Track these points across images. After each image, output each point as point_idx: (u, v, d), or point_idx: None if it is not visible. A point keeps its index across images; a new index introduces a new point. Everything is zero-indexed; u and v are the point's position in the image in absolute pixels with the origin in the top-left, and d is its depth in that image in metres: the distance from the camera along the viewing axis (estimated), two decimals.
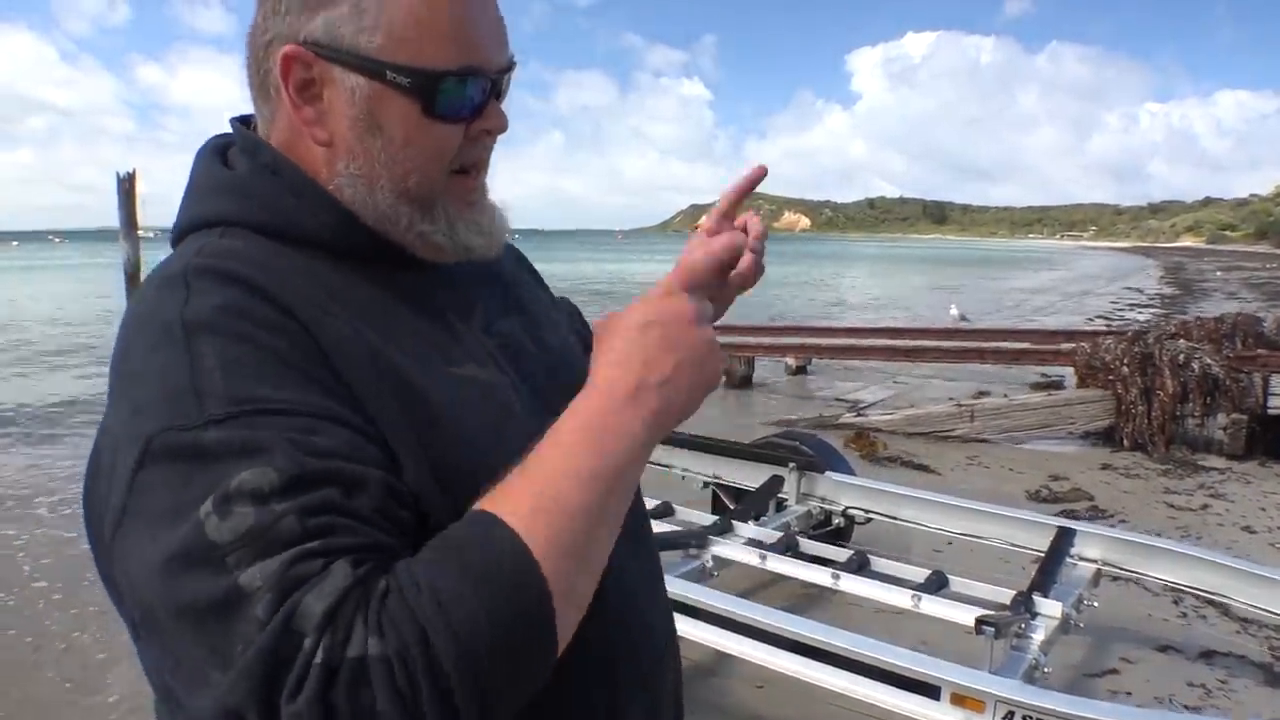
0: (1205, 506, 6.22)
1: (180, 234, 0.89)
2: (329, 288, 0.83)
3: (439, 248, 0.89)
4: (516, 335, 0.97)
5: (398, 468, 0.74)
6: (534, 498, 0.70)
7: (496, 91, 0.88)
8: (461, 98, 0.84)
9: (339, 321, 0.79)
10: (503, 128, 0.89)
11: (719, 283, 0.94)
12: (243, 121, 0.95)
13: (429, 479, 0.76)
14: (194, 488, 0.65)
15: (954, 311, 17.73)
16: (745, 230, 0.96)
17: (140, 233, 22.09)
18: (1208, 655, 3.96)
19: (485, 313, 0.96)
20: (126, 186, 20.71)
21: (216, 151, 0.93)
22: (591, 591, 0.73)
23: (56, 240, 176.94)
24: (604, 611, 0.81)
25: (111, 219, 21.10)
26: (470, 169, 0.90)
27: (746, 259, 0.93)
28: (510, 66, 0.89)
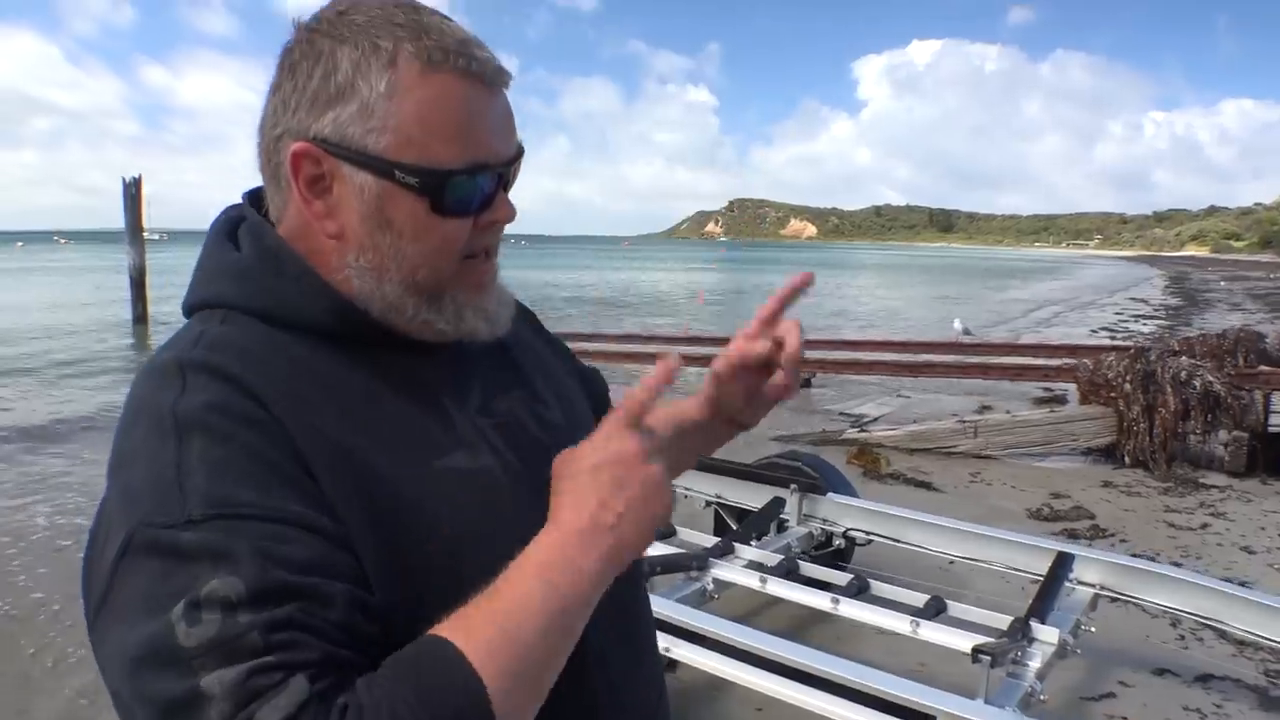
0: (1205, 526, 6.25)
1: (189, 310, 0.93)
2: (321, 377, 0.86)
3: (442, 333, 0.92)
4: (517, 414, 0.98)
5: (363, 571, 0.77)
6: (492, 629, 0.74)
7: (504, 182, 0.91)
8: (469, 193, 0.87)
9: (322, 417, 0.82)
10: (510, 218, 0.91)
11: (742, 397, 1.08)
12: (254, 194, 0.98)
13: (395, 577, 0.78)
14: (168, 585, 0.69)
15: (958, 325, 17.76)
16: (783, 342, 1.04)
17: (146, 234, 22.17)
18: (1204, 679, 3.99)
19: (484, 391, 0.97)
20: (133, 191, 20.83)
21: (227, 231, 0.95)
22: (537, 707, 0.77)
23: (62, 241, 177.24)
24: (589, 694, 0.87)
25: (117, 220, 21.20)
26: (485, 253, 0.93)
27: (782, 376, 1.02)
28: (518, 155, 0.91)
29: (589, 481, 0.82)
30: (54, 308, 24.66)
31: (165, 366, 0.83)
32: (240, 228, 0.95)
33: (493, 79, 0.87)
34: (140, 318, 20.81)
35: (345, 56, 0.84)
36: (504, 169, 0.89)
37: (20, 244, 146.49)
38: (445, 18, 0.88)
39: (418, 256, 0.88)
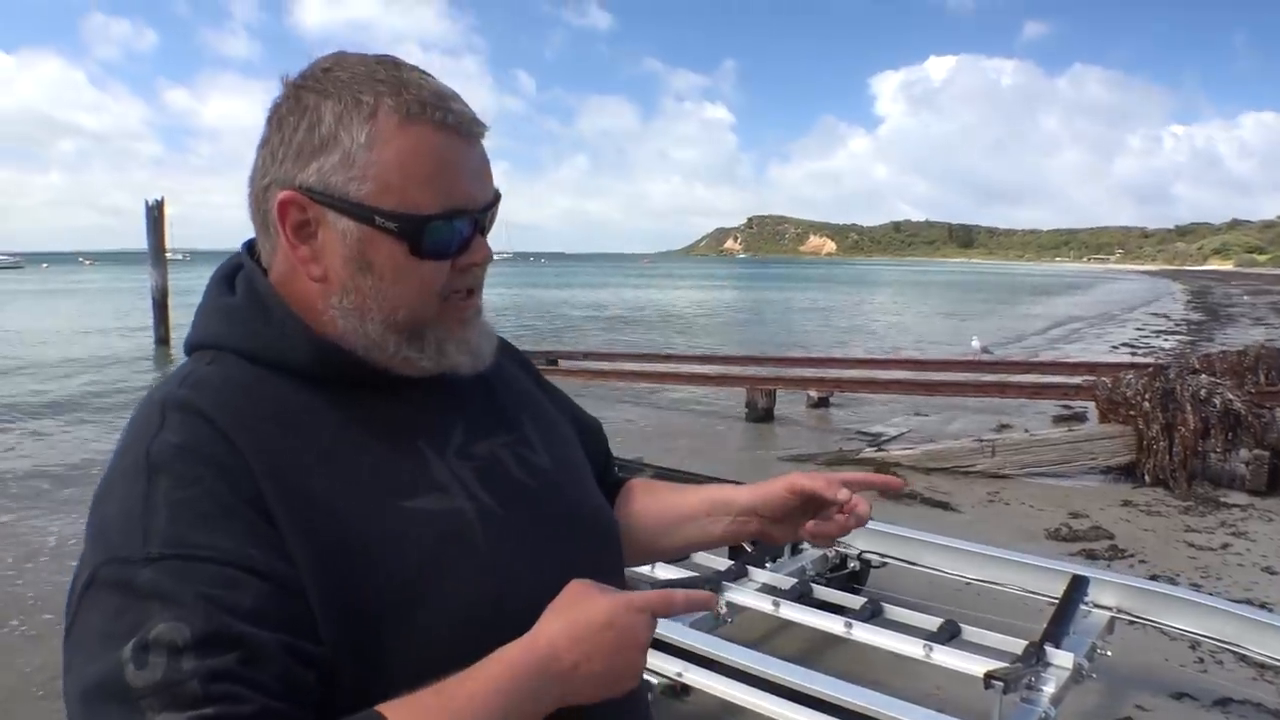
0: (1226, 546, 6.19)
1: (188, 349, 0.99)
2: (297, 418, 0.90)
3: (425, 369, 0.96)
4: (499, 456, 1.01)
5: (311, 616, 0.80)
6: None
7: (481, 226, 0.95)
8: (446, 238, 0.91)
9: (290, 458, 0.86)
10: (487, 260, 0.96)
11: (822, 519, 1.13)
12: (252, 244, 1.02)
13: (346, 616, 0.81)
14: (121, 623, 0.73)
15: (976, 344, 17.69)
16: (853, 508, 1.11)
17: (169, 255, 22.37)
18: (1223, 703, 3.95)
19: (466, 434, 1.00)
20: (155, 214, 21.04)
21: (226, 277, 1.01)
22: None
23: (87, 262, 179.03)
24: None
25: (140, 241, 21.43)
26: (465, 292, 0.97)
27: (832, 527, 1.12)
28: (495, 200, 0.96)
29: (594, 631, 0.85)
30: (82, 333, 23.95)
31: (150, 405, 0.89)
32: (238, 275, 1.00)
33: (468, 130, 0.91)
34: (163, 339, 21.00)
35: (329, 110, 0.89)
36: (480, 214, 0.94)
37: (45, 265, 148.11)
38: (424, 74, 0.92)
39: (397, 298, 0.92)
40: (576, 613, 0.86)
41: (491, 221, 0.97)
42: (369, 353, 0.94)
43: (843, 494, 1.10)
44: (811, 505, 1.14)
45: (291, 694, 0.75)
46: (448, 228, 0.90)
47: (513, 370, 1.17)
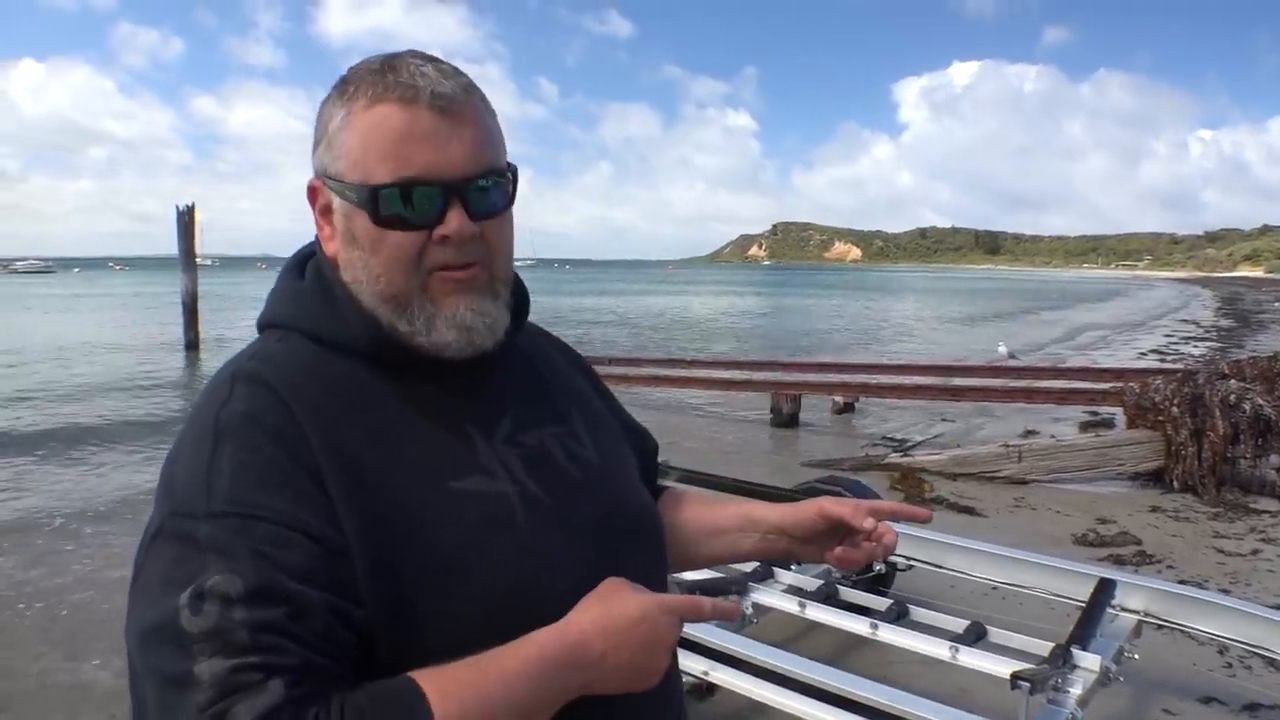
0: (1256, 552, 6.15)
1: (260, 327, 1.06)
2: (354, 395, 0.96)
3: (422, 346, 0.98)
4: (546, 446, 1.05)
5: (355, 582, 0.84)
6: (466, 702, 0.80)
7: (463, 198, 0.95)
8: (404, 207, 0.94)
9: (346, 432, 0.91)
10: (459, 233, 0.95)
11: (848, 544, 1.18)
12: None
13: (388, 585, 0.85)
14: (180, 571, 0.80)
15: (1002, 349, 17.59)
16: (880, 537, 1.16)
17: (199, 260, 22.57)
18: (1252, 708, 3.93)
19: (514, 422, 1.04)
20: (186, 219, 21.21)
21: (298, 264, 1.08)
22: None
23: (117, 268, 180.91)
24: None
25: (171, 247, 21.63)
26: (454, 267, 0.97)
27: (858, 553, 1.16)
28: (482, 173, 0.96)
29: (626, 625, 0.89)
30: (112, 349, 22.72)
31: (221, 377, 0.95)
32: (310, 262, 1.07)
33: (440, 105, 0.94)
34: (192, 344, 21.20)
35: (329, 104, 0.98)
36: (451, 185, 0.95)
37: (77, 270, 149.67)
38: (423, 61, 0.96)
39: (377, 267, 0.97)
40: (610, 605, 0.89)
41: (479, 196, 0.97)
42: (374, 324, 0.99)
43: (869, 523, 1.14)
44: (839, 530, 1.18)
45: (333, 651, 0.80)
46: (402, 195, 0.93)
47: (566, 368, 1.21)
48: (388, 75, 0.94)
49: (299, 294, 1.04)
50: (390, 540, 0.87)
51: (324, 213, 1.00)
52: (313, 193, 1.01)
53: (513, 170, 1.02)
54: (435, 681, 0.80)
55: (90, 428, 11.88)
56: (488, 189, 0.98)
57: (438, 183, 0.94)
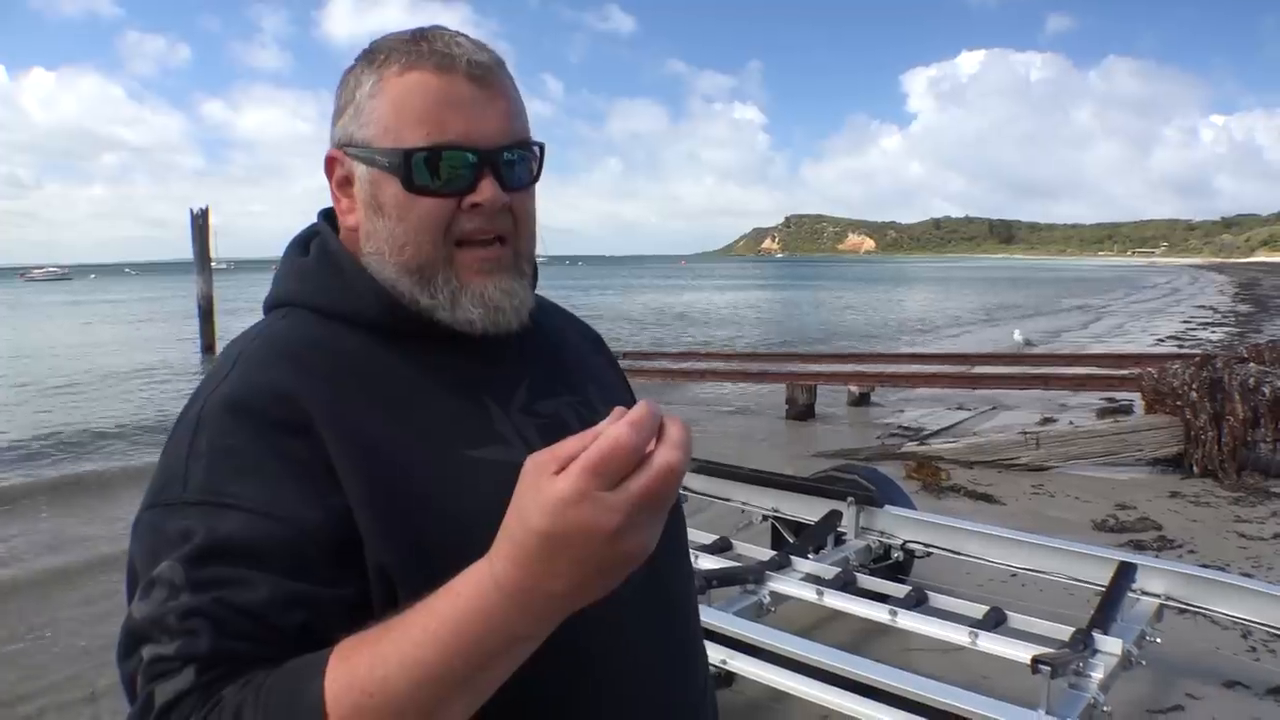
0: (1278, 535, 6.10)
1: (266, 308, 1.05)
2: (364, 369, 0.95)
3: (443, 320, 0.97)
4: (562, 416, 1.03)
5: (334, 557, 0.83)
6: (365, 675, 0.71)
7: (495, 168, 0.95)
8: (436, 172, 0.93)
9: (356, 406, 0.91)
10: (492, 201, 0.94)
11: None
12: (328, 212, 1.08)
13: (406, 553, 0.85)
14: (150, 560, 0.81)
15: (1018, 336, 17.52)
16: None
17: (214, 264, 22.65)
18: (1277, 691, 3.89)
19: (531, 392, 1.03)
20: (200, 223, 21.27)
21: (301, 242, 1.08)
22: None
23: (132, 273, 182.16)
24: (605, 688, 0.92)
25: (185, 251, 21.72)
26: (480, 241, 0.97)
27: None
28: (512, 145, 0.96)
29: (535, 550, 0.68)
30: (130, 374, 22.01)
31: (223, 358, 0.96)
32: (314, 239, 1.06)
33: (476, 73, 0.94)
34: (209, 347, 21.27)
35: (354, 73, 0.98)
36: (484, 154, 0.94)
37: (93, 276, 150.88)
38: (455, 34, 0.96)
39: (403, 235, 0.96)
40: (514, 525, 0.70)
41: (510, 167, 0.96)
42: (394, 297, 0.98)
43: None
44: None
45: (263, 635, 0.78)
46: (435, 160, 0.93)
47: (581, 342, 1.21)
48: (421, 44, 0.94)
49: (304, 270, 1.04)
50: (404, 509, 0.86)
51: (342, 184, 1.00)
52: (330, 164, 1.00)
53: (540, 146, 1.01)
54: (340, 651, 0.74)
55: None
56: (517, 161, 0.97)
57: (472, 149, 0.93)
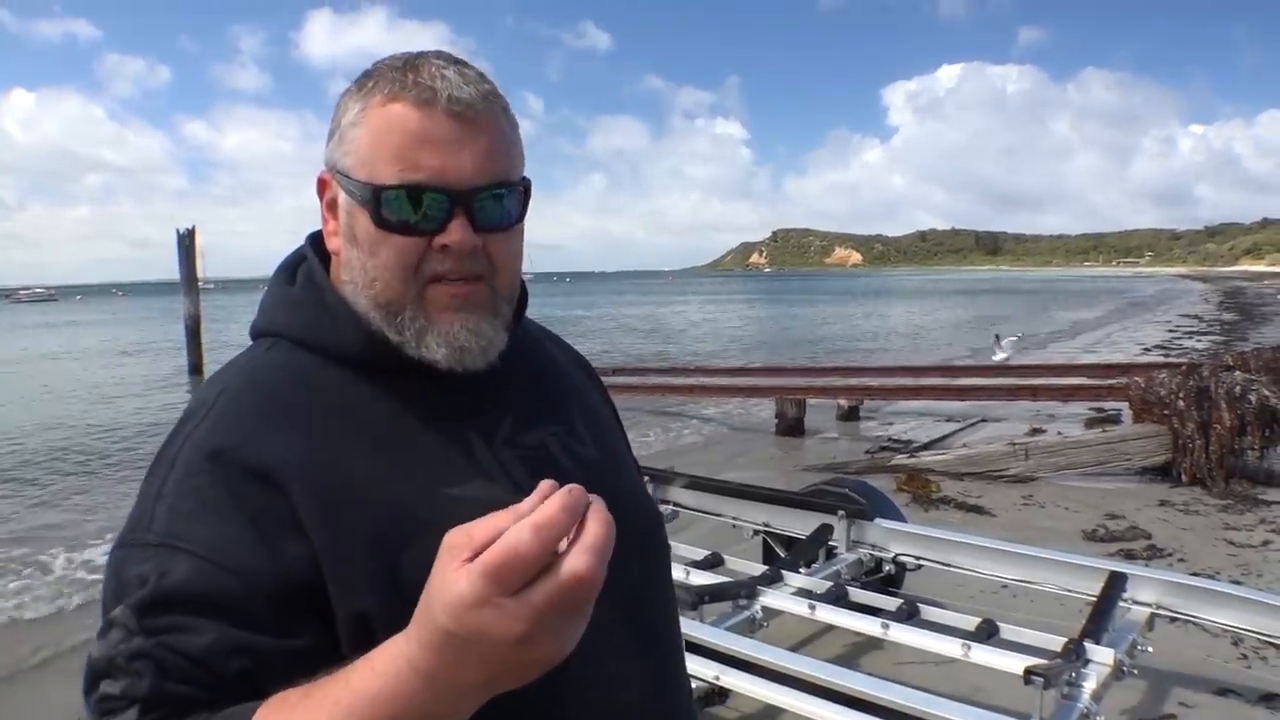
0: (1266, 543, 6.12)
1: (253, 335, 1.04)
2: (343, 407, 0.94)
3: (410, 357, 0.95)
4: (547, 447, 1.02)
5: (284, 609, 0.83)
6: None
7: (467, 209, 0.92)
8: (406, 211, 0.91)
9: (334, 446, 0.91)
10: (460, 244, 0.92)
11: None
12: (314, 236, 1.07)
13: (386, 597, 0.83)
14: (113, 600, 0.83)
15: (1003, 345, 17.55)
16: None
17: (201, 284, 22.58)
18: (1269, 699, 3.89)
19: (515, 423, 1.01)
20: (187, 243, 21.24)
21: (288, 268, 1.07)
22: None
23: (119, 294, 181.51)
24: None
25: (172, 271, 21.65)
26: (453, 278, 0.94)
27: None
28: (490, 185, 0.93)
29: (443, 641, 0.67)
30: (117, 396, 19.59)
31: (199, 396, 0.96)
32: (301, 266, 1.05)
33: (451, 108, 0.91)
34: (195, 368, 21.18)
35: (346, 97, 0.97)
36: (457, 194, 0.91)
37: (79, 297, 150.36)
38: (446, 63, 0.94)
39: (374, 270, 0.94)
40: (423, 612, 0.69)
41: (486, 209, 0.94)
42: (379, 335, 0.97)
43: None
44: None
45: (204, 680, 0.79)
46: (405, 199, 0.91)
47: (567, 366, 1.19)
48: (408, 74, 0.92)
49: (290, 301, 1.02)
50: (388, 553, 0.85)
51: (331, 206, 0.99)
52: (322, 185, 0.99)
53: (525, 184, 0.98)
54: (266, 708, 0.76)
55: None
56: (496, 201, 0.94)
57: (444, 190, 0.91)
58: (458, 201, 0.92)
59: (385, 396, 0.96)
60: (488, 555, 0.64)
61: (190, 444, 0.90)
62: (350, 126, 0.94)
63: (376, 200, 0.91)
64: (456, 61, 0.95)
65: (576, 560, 0.65)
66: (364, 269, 0.94)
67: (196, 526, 0.84)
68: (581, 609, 0.67)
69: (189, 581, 0.81)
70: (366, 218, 0.92)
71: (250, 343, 1.05)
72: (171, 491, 0.87)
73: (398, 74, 0.92)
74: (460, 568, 0.65)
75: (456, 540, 0.68)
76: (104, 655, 0.80)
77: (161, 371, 23.06)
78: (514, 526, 0.65)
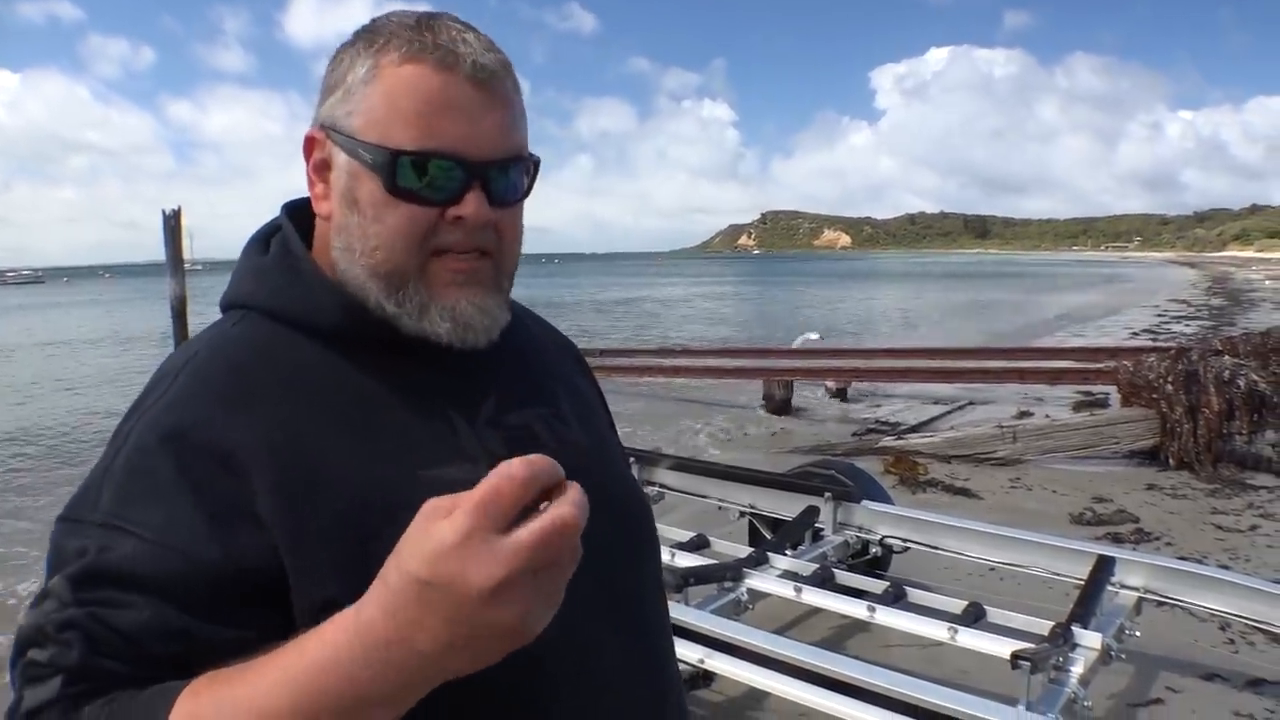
0: (1254, 527, 6.12)
1: (223, 307, 0.98)
2: (317, 383, 0.89)
3: (409, 330, 0.90)
4: (532, 428, 0.98)
5: (226, 591, 0.78)
6: (210, 714, 0.71)
7: (484, 182, 0.88)
8: (422, 179, 0.86)
9: (305, 424, 0.85)
10: (476, 217, 0.88)
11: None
12: (290, 206, 1.01)
13: (360, 583, 0.72)
14: (51, 572, 0.81)
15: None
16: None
17: (189, 266, 22.46)
18: (1256, 684, 3.89)
19: (499, 404, 0.96)
20: (172, 224, 21.06)
21: (262, 238, 1.01)
22: None
23: (107, 276, 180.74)
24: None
25: (158, 253, 21.53)
26: (458, 251, 0.90)
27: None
28: (506, 159, 0.90)
29: (412, 596, 0.64)
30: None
31: (163, 371, 0.91)
32: (275, 236, 0.99)
33: (479, 77, 0.87)
34: None
35: (348, 52, 0.90)
36: (475, 166, 0.88)
37: (66, 279, 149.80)
38: (463, 27, 0.89)
39: (376, 237, 0.89)
40: (390, 569, 0.66)
41: (502, 182, 0.90)
42: (358, 301, 0.91)
43: None
44: None
45: (134, 655, 0.76)
46: (423, 167, 0.86)
47: (553, 350, 1.15)
48: (425, 34, 0.86)
49: (262, 271, 0.96)
50: (361, 538, 0.79)
51: (320, 168, 0.92)
52: (310, 144, 0.92)
53: (535, 160, 0.94)
54: (198, 684, 0.73)
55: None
56: (509, 175, 0.91)
57: (462, 160, 0.87)
58: (475, 173, 0.88)
59: (363, 373, 0.91)
60: (476, 491, 0.63)
61: (145, 421, 0.85)
62: (360, 84, 0.87)
63: (391, 165, 0.86)
64: (471, 27, 0.90)
65: (562, 507, 0.64)
66: (365, 235, 0.89)
67: (143, 509, 0.80)
68: (555, 573, 0.65)
69: (130, 559, 0.77)
70: (375, 182, 0.87)
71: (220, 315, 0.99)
72: (120, 469, 0.82)
73: (413, 33, 0.87)
74: (443, 519, 0.63)
75: (439, 503, 0.65)
76: (34, 624, 0.77)
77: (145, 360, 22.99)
78: (504, 464, 0.64)
